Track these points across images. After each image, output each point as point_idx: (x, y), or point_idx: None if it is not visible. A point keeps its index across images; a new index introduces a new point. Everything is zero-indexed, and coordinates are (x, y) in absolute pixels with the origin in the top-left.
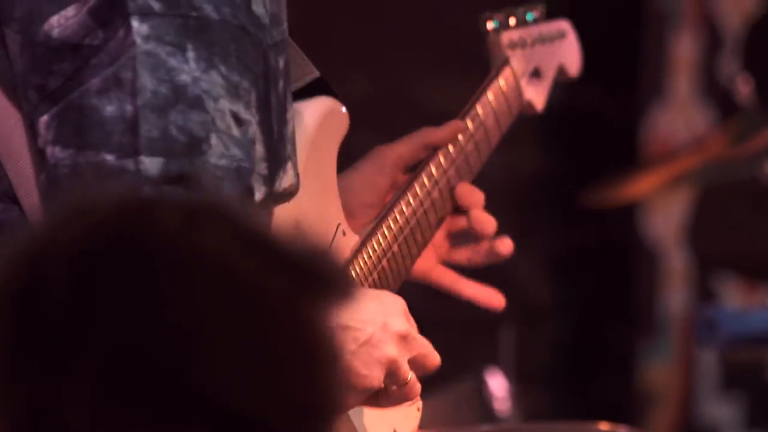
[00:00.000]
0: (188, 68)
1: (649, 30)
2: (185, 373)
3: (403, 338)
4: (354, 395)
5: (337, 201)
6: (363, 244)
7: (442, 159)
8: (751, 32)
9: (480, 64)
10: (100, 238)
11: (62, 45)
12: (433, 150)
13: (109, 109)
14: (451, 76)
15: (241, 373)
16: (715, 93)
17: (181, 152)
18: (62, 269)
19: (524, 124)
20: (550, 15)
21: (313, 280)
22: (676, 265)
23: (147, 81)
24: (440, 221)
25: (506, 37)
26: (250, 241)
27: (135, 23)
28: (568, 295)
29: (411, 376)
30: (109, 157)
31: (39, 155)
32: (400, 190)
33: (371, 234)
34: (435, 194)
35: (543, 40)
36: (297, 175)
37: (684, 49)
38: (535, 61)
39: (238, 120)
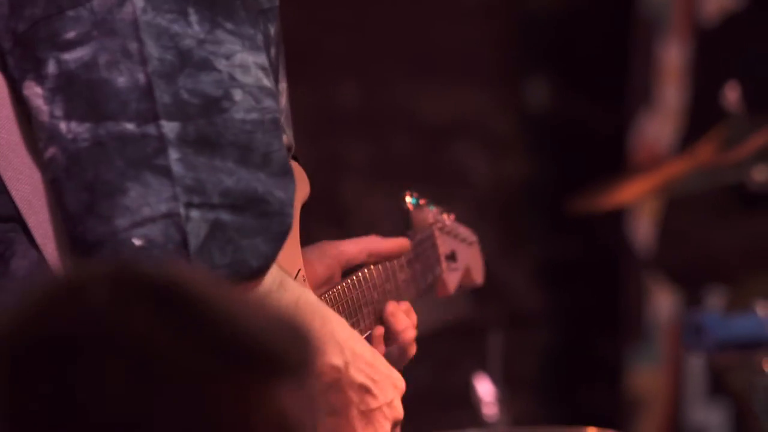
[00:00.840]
0: (192, 32)
1: (637, 38)
2: None
3: (396, 424)
4: None
5: (299, 250)
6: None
7: (375, 274)
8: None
9: (469, 74)
10: (31, 330)
11: None
12: (374, 261)
13: (121, 80)
14: (441, 86)
15: None
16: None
17: (196, 114)
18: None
19: (512, 131)
20: (539, 21)
21: (254, 359)
22: None
23: (153, 49)
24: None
25: (431, 214)
26: (179, 319)
27: None
28: (556, 301)
29: None
30: (130, 126)
31: (44, 129)
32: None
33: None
34: (364, 310)
35: (457, 235)
36: (292, 147)
37: (671, 57)
38: (453, 247)
39: (265, 71)
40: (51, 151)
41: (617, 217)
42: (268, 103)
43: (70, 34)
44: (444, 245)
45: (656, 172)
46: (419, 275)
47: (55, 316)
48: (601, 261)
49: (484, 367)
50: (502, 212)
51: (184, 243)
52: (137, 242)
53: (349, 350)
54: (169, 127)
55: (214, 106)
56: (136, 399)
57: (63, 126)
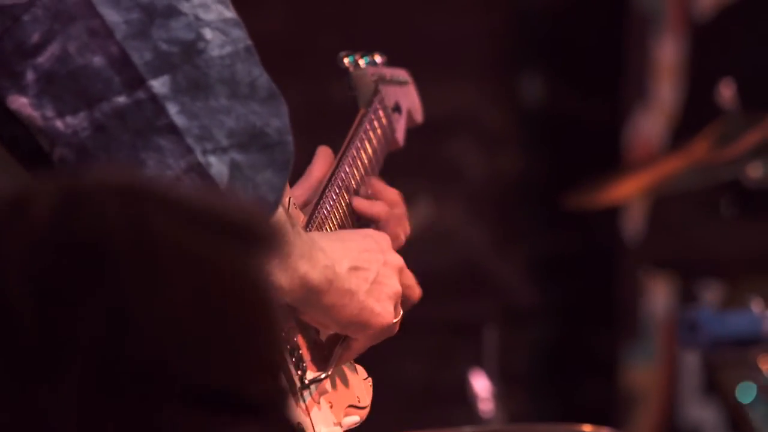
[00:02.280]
0: None
1: (632, 34)
2: (160, 360)
3: (401, 270)
4: (372, 334)
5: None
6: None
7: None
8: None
9: (464, 69)
10: (49, 244)
11: None
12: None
13: (97, 59)
14: (435, 81)
15: (212, 347)
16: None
17: (180, 61)
18: (20, 286)
19: (507, 126)
20: (534, 16)
21: (252, 241)
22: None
23: (114, 16)
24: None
25: (370, 71)
26: (188, 212)
27: None
28: (552, 297)
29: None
30: (121, 99)
31: (43, 135)
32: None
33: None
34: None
35: (394, 81)
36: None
37: (666, 53)
38: (395, 97)
39: (223, 2)
40: (58, 152)
41: (612, 213)
42: (236, 33)
43: (35, 38)
44: (389, 99)
45: (651, 168)
46: (379, 150)
47: (68, 229)
48: (596, 257)
49: (479, 363)
50: (496, 207)
51: (215, 190)
52: None
53: (329, 249)
54: (159, 83)
55: (192, 49)
56: (191, 299)
57: (59, 124)
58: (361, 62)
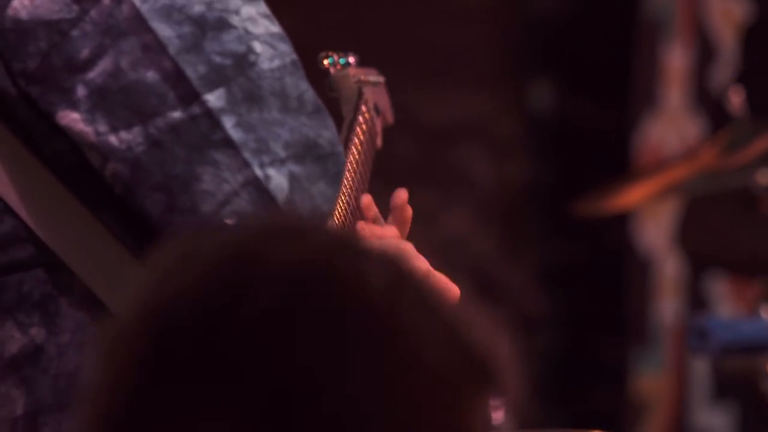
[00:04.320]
0: None
1: (641, 41)
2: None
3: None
4: None
5: None
6: None
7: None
8: (745, 40)
9: (472, 77)
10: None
11: (34, 25)
12: None
13: (149, 74)
14: (444, 88)
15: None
16: (707, 103)
17: (234, 74)
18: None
19: (516, 134)
20: (543, 23)
21: (484, 378)
22: (668, 273)
23: (167, 31)
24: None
25: (351, 71)
26: (439, 311)
27: None
28: (561, 304)
29: None
30: (176, 114)
31: (95, 150)
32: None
33: None
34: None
35: (370, 82)
36: None
37: (676, 60)
38: (373, 99)
39: (269, 18)
40: (111, 167)
41: (621, 220)
42: (283, 47)
43: (84, 53)
44: (370, 100)
45: (660, 175)
46: (368, 149)
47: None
48: (605, 264)
49: None
50: (505, 215)
51: (272, 204)
52: (229, 222)
53: None
54: (214, 97)
55: (244, 61)
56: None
57: (113, 139)
58: (340, 63)
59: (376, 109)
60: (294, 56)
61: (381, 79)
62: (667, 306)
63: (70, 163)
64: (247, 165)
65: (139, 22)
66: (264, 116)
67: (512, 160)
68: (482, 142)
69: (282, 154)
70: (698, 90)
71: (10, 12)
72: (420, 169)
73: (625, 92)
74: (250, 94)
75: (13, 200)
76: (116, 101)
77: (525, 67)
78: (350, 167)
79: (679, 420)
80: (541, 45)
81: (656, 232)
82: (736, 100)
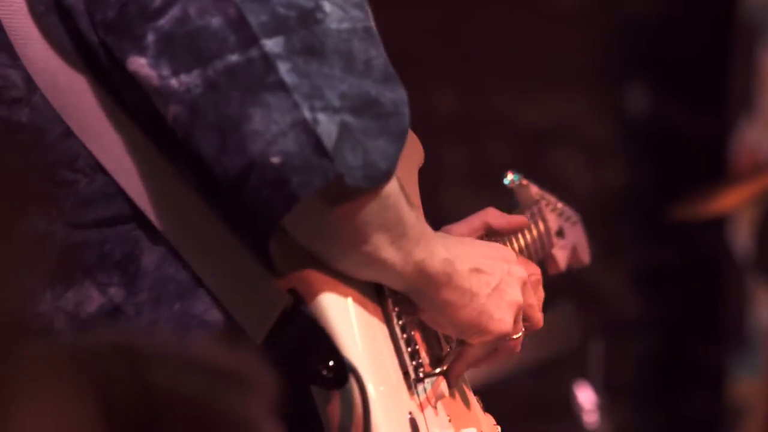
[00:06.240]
0: None
1: (738, 43)
2: None
3: (524, 284)
4: (488, 341)
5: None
6: None
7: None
8: None
9: (567, 80)
10: None
11: None
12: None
13: (215, 20)
14: (539, 92)
15: None
16: None
17: (296, 26)
18: None
19: (611, 138)
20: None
21: (241, 384)
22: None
23: None
24: None
25: (534, 189)
26: (182, 363)
27: None
28: (657, 309)
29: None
30: (234, 57)
31: (158, 94)
32: None
33: None
34: None
35: (562, 213)
36: None
37: None
38: (560, 223)
39: None
40: (172, 110)
41: (718, 225)
42: (355, 12)
43: (157, 2)
44: (552, 221)
45: (757, 179)
46: (533, 250)
47: None
48: (701, 268)
49: (584, 375)
50: (601, 219)
51: (318, 146)
52: (275, 160)
53: (451, 247)
54: (273, 43)
55: (310, 17)
56: None
57: (174, 82)
58: (513, 178)
59: (561, 233)
60: (368, 23)
61: (577, 218)
62: (764, 310)
63: (147, 112)
64: (296, 107)
65: None
66: (323, 69)
67: (608, 164)
68: (578, 145)
69: (336, 103)
70: None
71: None
72: (516, 172)
73: (722, 96)
74: (310, 47)
75: (104, 157)
76: (181, 46)
77: (621, 71)
78: (522, 239)
79: None
80: (636, 48)
81: (751, 233)
82: None
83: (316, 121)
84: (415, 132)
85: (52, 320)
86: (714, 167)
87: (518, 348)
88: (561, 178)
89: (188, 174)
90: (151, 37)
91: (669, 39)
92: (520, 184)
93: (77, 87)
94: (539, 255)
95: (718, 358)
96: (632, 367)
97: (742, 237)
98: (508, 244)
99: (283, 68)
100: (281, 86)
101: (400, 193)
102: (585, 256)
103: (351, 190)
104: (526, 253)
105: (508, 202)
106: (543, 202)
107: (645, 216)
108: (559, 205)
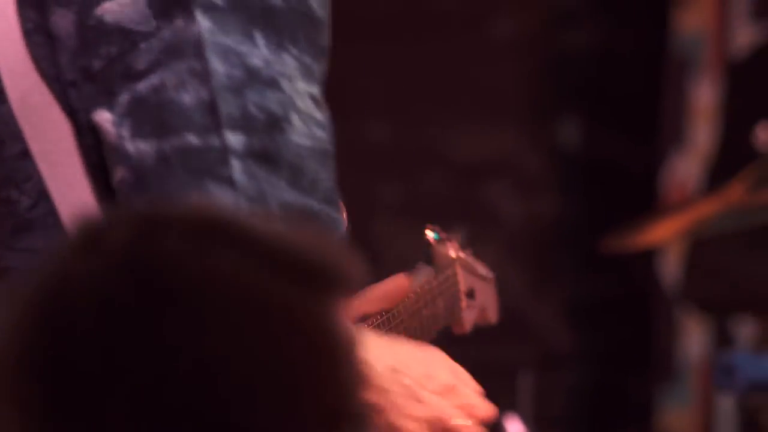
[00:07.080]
0: (259, 52)
1: (669, 77)
2: (207, 404)
3: (450, 391)
4: None
5: None
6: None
7: (402, 310)
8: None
9: (500, 113)
10: (113, 274)
11: (114, 29)
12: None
13: (187, 98)
14: (472, 124)
15: (262, 393)
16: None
17: (261, 129)
18: (86, 313)
19: (544, 170)
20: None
21: (326, 284)
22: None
23: (218, 66)
24: None
25: (451, 248)
26: (256, 252)
27: (198, 17)
28: (587, 340)
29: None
30: (192, 138)
31: (112, 151)
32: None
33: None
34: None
35: (476, 272)
36: None
37: (703, 96)
38: (471, 284)
39: (317, 102)
40: (120, 172)
41: (648, 256)
42: (319, 133)
43: (141, 65)
44: (464, 282)
45: (687, 211)
46: (441, 312)
47: (127, 267)
48: (632, 300)
49: (514, 407)
50: (533, 251)
51: None
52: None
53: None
54: (235, 138)
55: (276, 125)
56: (243, 344)
57: (130, 146)
58: (433, 236)
59: (471, 294)
60: (328, 147)
61: (490, 276)
62: (694, 342)
63: (100, 159)
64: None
65: (197, 48)
66: (271, 178)
67: (540, 196)
68: (511, 177)
69: (275, 211)
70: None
71: (98, 11)
72: (448, 205)
73: (653, 129)
74: (266, 153)
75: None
76: (148, 113)
77: (553, 104)
78: (411, 308)
79: None
80: (569, 81)
81: (680, 262)
82: (764, 136)
83: None
84: (348, 165)
85: None
86: (645, 200)
87: None
88: (494, 211)
89: None
90: (125, 97)
91: (601, 72)
92: (440, 241)
93: (46, 110)
94: (447, 320)
95: (648, 390)
96: (563, 399)
97: (671, 268)
98: (416, 311)
99: (237, 167)
100: (230, 183)
101: None
102: (493, 316)
103: None
104: (433, 321)
105: (425, 256)
106: (457, 264)
107: (577, 248)
108: (474, 263)
